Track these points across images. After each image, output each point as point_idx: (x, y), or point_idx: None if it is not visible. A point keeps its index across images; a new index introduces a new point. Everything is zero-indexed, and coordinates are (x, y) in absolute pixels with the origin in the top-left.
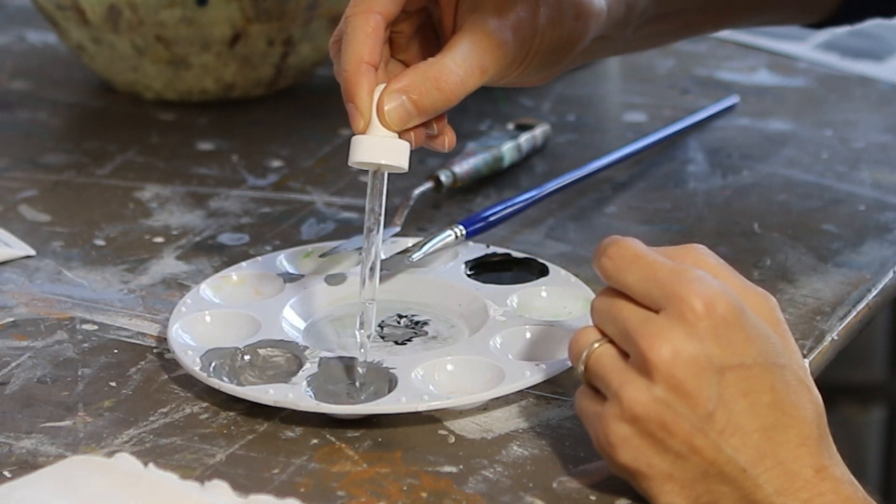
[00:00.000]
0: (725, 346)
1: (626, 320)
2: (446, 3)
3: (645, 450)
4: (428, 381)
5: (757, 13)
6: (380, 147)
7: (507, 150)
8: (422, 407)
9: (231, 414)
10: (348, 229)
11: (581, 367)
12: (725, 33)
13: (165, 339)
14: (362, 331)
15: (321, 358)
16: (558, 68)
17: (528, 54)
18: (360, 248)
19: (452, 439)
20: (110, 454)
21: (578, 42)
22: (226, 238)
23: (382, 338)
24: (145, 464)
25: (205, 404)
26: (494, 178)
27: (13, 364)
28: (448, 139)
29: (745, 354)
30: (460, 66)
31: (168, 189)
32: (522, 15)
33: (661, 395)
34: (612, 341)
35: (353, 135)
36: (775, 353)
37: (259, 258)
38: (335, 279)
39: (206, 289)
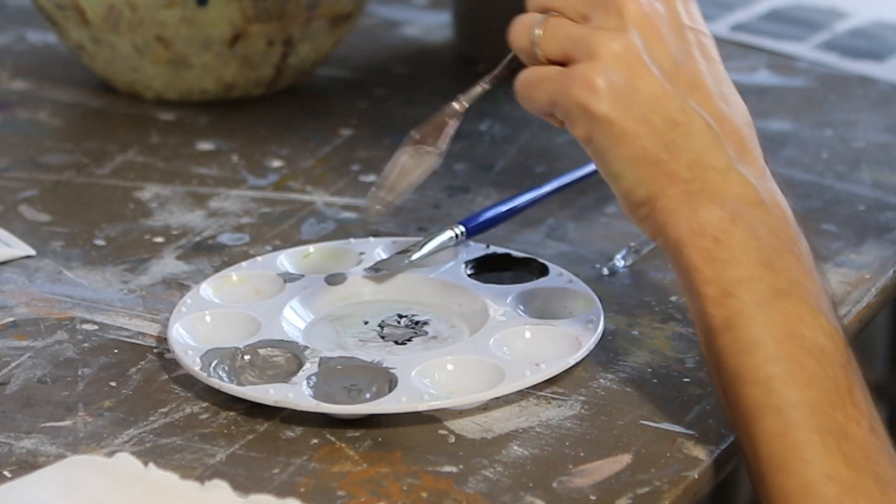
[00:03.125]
0: (689, 9)
1: None
2: None
3: (622, 95)
4: (428, 380)
5: None
6: None
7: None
8: (422, 407)
9: (231, 414)
10: (348, 229)
11: (538, 33)
12: (725, 32)
13: (165, 339)
14: None
15: (321, 358)
16: None
17: None
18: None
19: (452, 439)
20: (110, 454)
21: None
22: (226, 238)
23: (382, 338)
24: (145, 464)
25: (205, 404)
26: (494, 178)
27: (13, 364)
28: None
29: (702, 24)
30: None
31: (168, 189)
32: None
33: (636, 38)
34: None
35: None
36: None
37: (259, 258)
38: (335, 279)
39: (206, 289)
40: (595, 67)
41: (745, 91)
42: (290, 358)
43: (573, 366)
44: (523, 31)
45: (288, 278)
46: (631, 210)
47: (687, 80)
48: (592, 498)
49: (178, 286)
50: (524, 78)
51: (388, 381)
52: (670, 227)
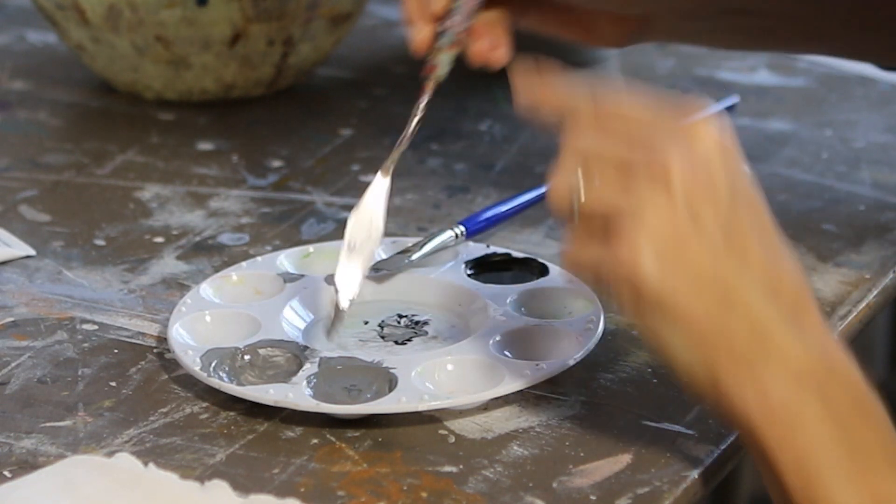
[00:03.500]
0: (730, 160)
1: (628, 133)
2: None
3: (673, 274)
4: (428, 380)
5: (849, 40)
6: None
7: None
8: (422, 407)
9: (231, 414)
10: None
11: (580, 198)
12: None
13: (165, 339)
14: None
15: (321, 358)
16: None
17: None
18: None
19: (452, 439)
20: (110, 454)
21: None
22: (226, 238)
23: (382, 338)
24: (145, 464)
25: (205, 404)
26: (494, 178)
27: (13, 364)
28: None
29: (743, 169)
30: None
31: (168, 189)
32: None
33: (684, 207)
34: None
35: None
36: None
37: (259, 258)
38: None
39: (206, 289)
40: (643, 245)
41: (745, 91)
42: (290, 358)
43: (573, 366)
44: (562, 192)
45: (288, 278)
46: (693, 389)
47: (738, 243)
48: (592, 498)
49: (178, 286)
50: (568, 257)
51: (388, 381)
52: (738, 410)
